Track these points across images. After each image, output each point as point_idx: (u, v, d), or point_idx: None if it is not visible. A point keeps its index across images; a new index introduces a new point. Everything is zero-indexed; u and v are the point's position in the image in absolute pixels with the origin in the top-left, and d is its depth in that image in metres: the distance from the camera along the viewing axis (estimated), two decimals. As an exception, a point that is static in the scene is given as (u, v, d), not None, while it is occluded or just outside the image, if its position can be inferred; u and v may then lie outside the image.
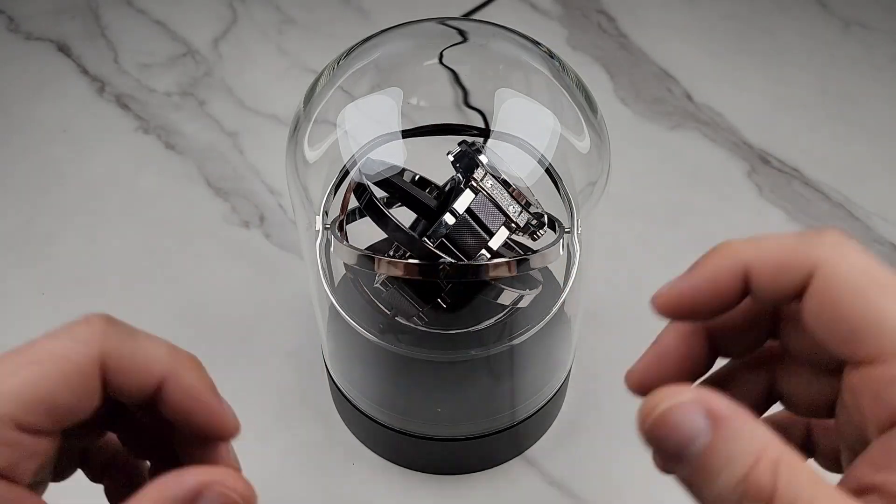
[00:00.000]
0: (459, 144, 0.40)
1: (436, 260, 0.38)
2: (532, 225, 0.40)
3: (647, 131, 0.65)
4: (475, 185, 0.39)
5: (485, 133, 0.41)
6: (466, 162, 0.39)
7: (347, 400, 0.47)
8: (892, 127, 0.65)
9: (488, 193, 0.39)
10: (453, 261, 0.38)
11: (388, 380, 0.46)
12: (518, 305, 0.42)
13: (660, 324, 0.59)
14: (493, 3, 0.74)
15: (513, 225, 0.39)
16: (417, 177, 0.43)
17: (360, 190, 0.40)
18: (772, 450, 0.21)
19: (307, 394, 0.51)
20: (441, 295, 0.41)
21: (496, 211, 0.39)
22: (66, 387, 0.23)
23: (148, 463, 0.28)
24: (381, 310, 0.42)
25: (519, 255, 0.41)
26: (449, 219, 0.38)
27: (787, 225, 0.59)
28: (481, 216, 0.39)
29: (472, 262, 0.38)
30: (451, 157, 0.40)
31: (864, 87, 0.68)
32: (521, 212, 0.39)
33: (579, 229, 0.41)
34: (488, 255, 0.39)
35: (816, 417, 0.28)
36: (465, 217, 0.38)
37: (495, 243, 0.39)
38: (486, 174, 0.39)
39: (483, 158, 0.39)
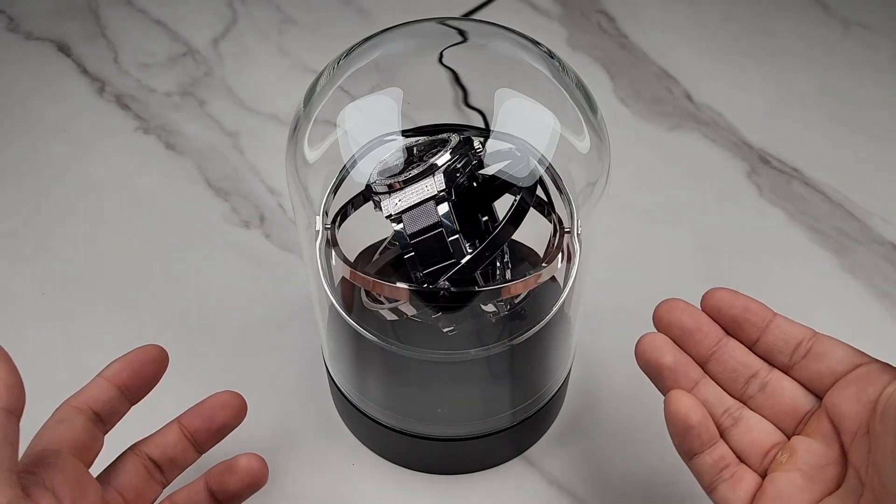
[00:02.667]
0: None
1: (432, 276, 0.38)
2: (458, 159, 0.39)
3: (647, 131, 0.65)
4: (395, 214, 0.39)
5: (485, 133, 0.41)
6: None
7: (347, 400, 0.47)
8: (892, 127, 0.65)
9: (401, 197, 0.39)
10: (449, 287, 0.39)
11: (387, 380, 0.46)
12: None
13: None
14: (493, 3, 0.74)
15: (441, 176, 0.38)
16: None
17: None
18: None
19: (307, 394, 0.51)
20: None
21: (415, 192, 0.39)
22: None
23: None
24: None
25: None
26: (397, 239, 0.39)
27: (787, 225, 0.59)
28: (414, 206, 0.39)
29: (470, 288, 0.39)
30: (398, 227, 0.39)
31: (864, 87, 0.68)
32: (437, 160, 0.39)
33: (579, 229, 0.41)
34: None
35: None
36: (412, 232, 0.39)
37: (441, 208, 0.38)
38: (388, 195, 0.39)
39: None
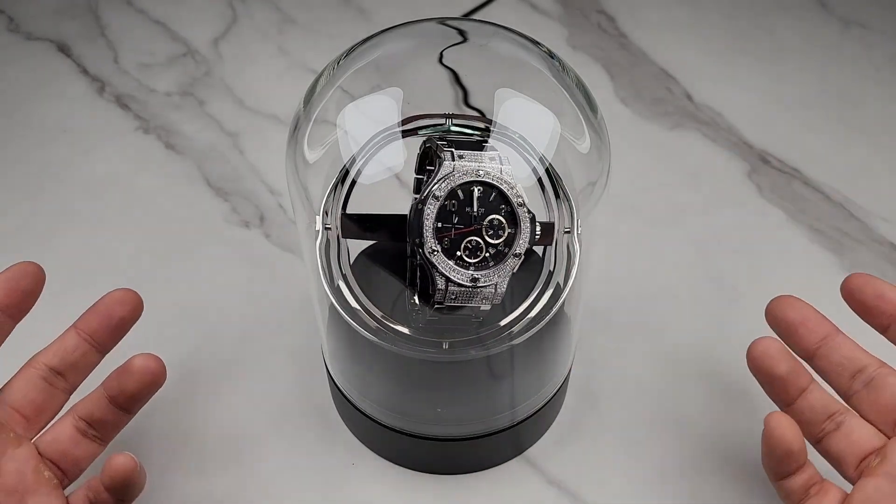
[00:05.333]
0: None
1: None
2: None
3: (647, 131, 0.65)
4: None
5: (485, 133, 0.41)
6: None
7: (347, 400, 0.47)
8: (892, 127, 0.65)
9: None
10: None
11: (388, 380, 0.46)
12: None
13: (656, 324, 0.59)
14: (493, 3, 0.74)
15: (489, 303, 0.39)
16: None
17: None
18: None
19: (307, 394, 0.51)
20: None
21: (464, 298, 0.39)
22: None
23: None
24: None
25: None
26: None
27: (787, 225, 0.59)
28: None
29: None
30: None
31: (864, 87, 0.68)
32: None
33: (579, 229, 0.41)
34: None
35: None
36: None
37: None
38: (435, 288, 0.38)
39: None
